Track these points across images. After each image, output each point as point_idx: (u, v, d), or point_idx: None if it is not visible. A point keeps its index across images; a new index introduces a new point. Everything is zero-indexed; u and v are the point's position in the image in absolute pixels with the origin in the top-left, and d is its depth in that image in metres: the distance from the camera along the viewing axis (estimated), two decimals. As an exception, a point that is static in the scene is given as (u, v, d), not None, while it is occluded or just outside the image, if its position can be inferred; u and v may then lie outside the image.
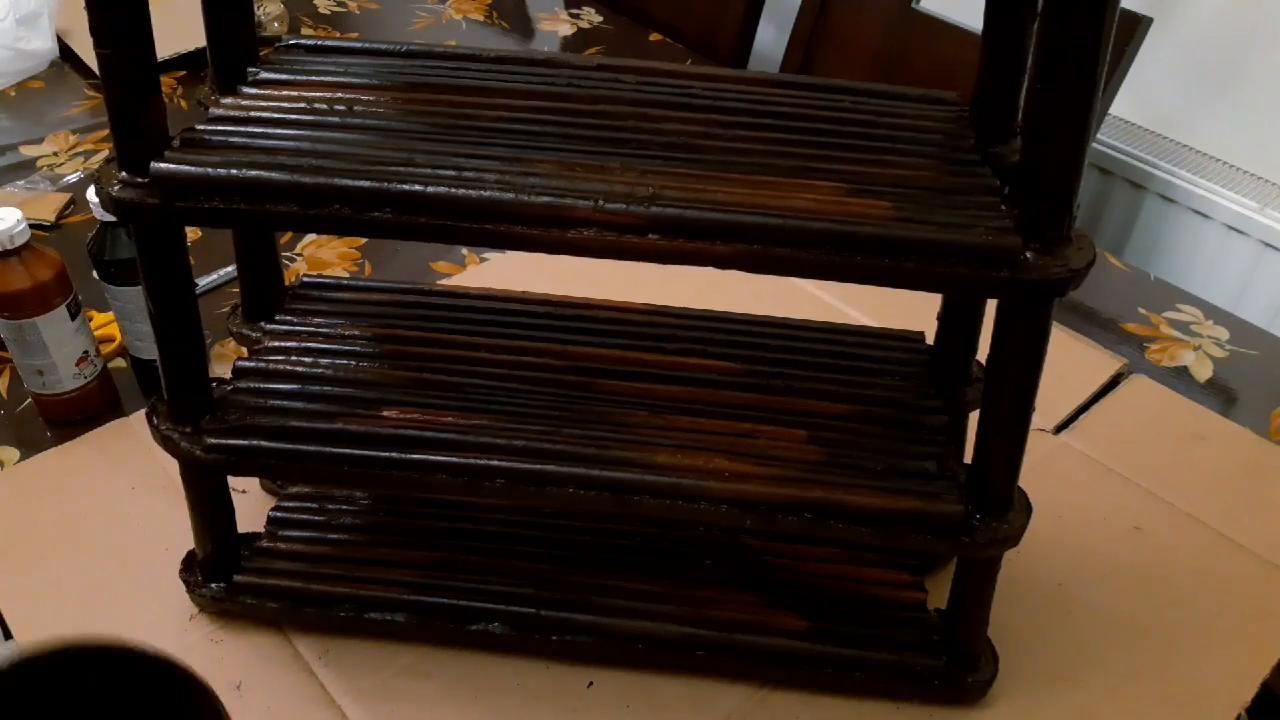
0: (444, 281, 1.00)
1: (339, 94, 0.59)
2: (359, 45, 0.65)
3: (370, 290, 0.74)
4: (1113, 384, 0.93)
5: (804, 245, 0.50)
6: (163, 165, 0.52)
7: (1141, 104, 1.40)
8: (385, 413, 0.62)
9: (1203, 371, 0.96)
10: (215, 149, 0.54)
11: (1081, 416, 0.90)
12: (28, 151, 1.18)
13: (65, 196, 1.09)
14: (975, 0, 0.59)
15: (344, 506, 0.74)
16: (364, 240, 1.06)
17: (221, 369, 0.86)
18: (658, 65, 0.64)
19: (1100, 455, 0.86)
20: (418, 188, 0.51)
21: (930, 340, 0.71)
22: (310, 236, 1.06)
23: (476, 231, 0.52)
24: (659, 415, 0.64)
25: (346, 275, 1.01)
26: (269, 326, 0.70)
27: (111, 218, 0.75)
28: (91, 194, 0.74)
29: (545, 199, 0.51)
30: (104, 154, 1.17)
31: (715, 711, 0.67)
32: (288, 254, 1.04)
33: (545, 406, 0.64)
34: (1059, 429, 0.88)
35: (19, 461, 0.81)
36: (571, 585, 0.70)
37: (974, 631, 0.66)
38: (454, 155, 0.53)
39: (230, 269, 0.98)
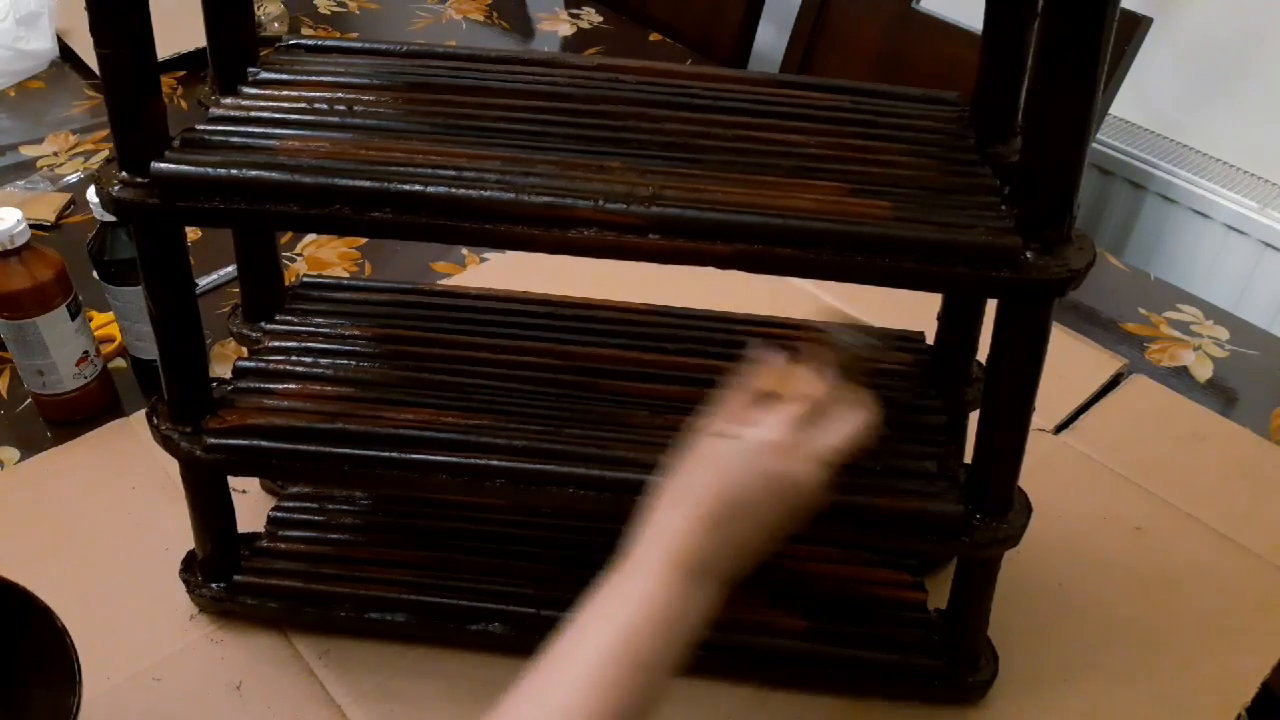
0: (444, 281, 1.00)
1: (339, 94, 0.59)
2: (359, 45, 0.65)
3: (370, 290, 0.74)
4: (1113, 384, 0.93)
5: (804, 245, 0.50)
6: (163, 165, 0.52)
7: (1141, 104, 1.40)
8: (385, 413, 0.62)
9: (1203, 371, 0.96)
10: (215, 149, 0.54)
11: (1081, 416, 0.90)
12: (28, 151, 1.18)
13: (65, 196, 1.09)
14: (975, 0, 0.59)
15: (344, 506, 0.74)
16: (364, 240, 1.05)
17: (221, 369, 0.86)
18: (658, 65, 0.64)
19: (1100, 455, 0.86)
20: (418, 188, 0.51)
21: (930, 340, 0.71)
22: (310, 236, 1.06)
23: (476, 231, 0.52)
24: (659, 415, 0.64)
25: (346, 275, 1.01)
26: (269, 326, 0.70)
27: (111, 218, 0.75)
28: (91, 194, 0.74)
29: (545, 199, 0.51)
30: (104, 154, 1.17)
31: (715, 711, 0.67)
32: (288, 254, 1.04)
33: (545, 406, 0.64)
34: (1059, 429, 0.88)
35: (19, 461, 0.81)
36: (571, 585, 0.69)
37: (974, 631, 0.66)
38: (454, 155, 0.53)
39: (230, 269, 0.98)
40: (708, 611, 0.48)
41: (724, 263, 0.51)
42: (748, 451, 0.50)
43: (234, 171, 0.52)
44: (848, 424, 0.52)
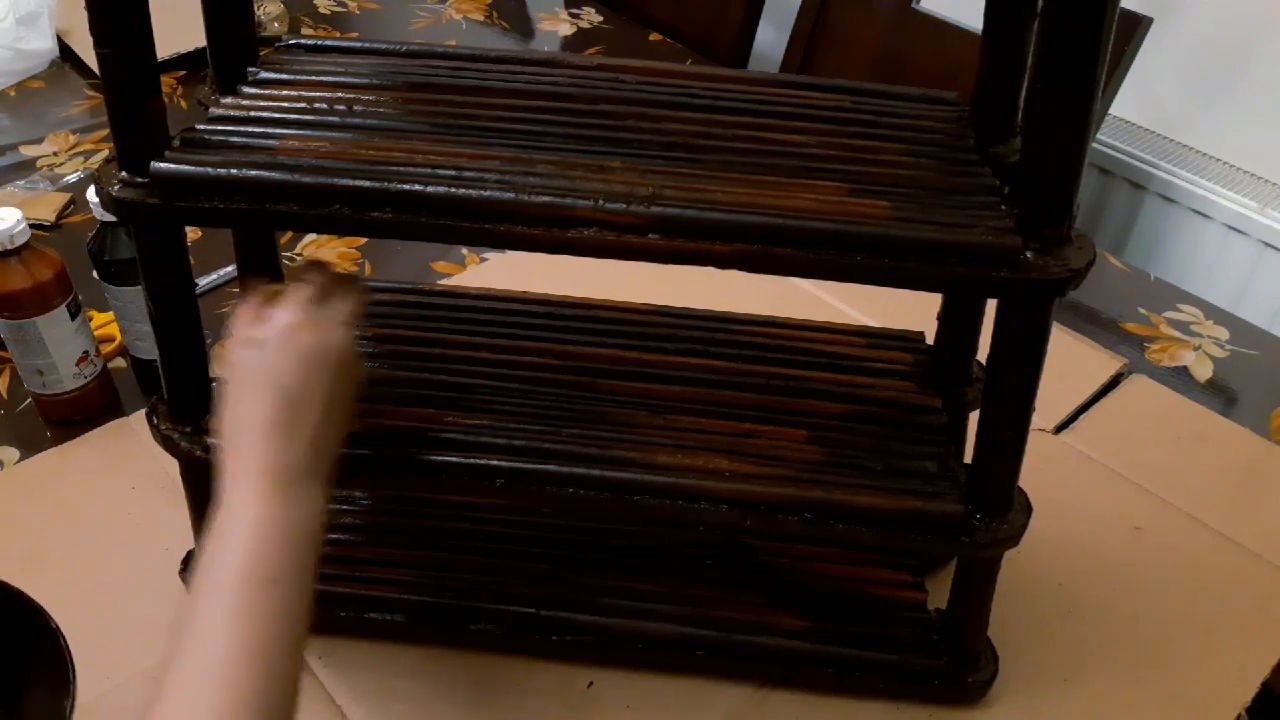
0: (444, 281, 1.00)
1: (339, 94, 0.59)
2: (359, 45, 0.65)
3: (370, 290, 0.74)
4: (1113, 384, 0.93)
5: (804, 245, 0.50)
6: (163, 165, 0.52)
7: (1141, 104, 1.40)
8: (385, 413, 0.62)
9: (1203, 371, 0.96)
10: (215, 149, 0.54)
11: (1081, 416, 0.90)
12: (28, 151, 1.18)
13: (65, 196, 1.09)
14: (975, 0, 0.59)
15: (344, 506, 0.74)
16: (364, 240, 1.05)
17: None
18: (658, 65, 0.64)
19: (1100, 455, 0.86)
20: (418, 188, 0.51)
21: (930, 340, 0.71)
22: (310, 236, 1.06)
23: (476, 231, 0.52)
24: (659, 415, 0.64)
25: (346, 275, 1.01)
26: (269, 326, 0.70)
27: (111, 218, 0.75)
28: (91, 194, 0.74)
29: (545, 199, 0.51)
30: (104, 154, 1.17)
31: (715, 711, 0.67)
32: (288, 254, 1.04)
33: (545, 406, 0.64)
34: (1059, 429, 0.88)
35: (19, 461, 0.81)
36: (571, 585, 0.70)
37: (974, 631, 0.66)
38: (454, 155, 0.53)
39: (230, 269, 0.98)
40: (318, 510, 0.50)
41: (724, 263, 0.51)
42: (275, 343, 0.52)
43: (234, 171, 0.52)
44: (351, 294, 0.56)
